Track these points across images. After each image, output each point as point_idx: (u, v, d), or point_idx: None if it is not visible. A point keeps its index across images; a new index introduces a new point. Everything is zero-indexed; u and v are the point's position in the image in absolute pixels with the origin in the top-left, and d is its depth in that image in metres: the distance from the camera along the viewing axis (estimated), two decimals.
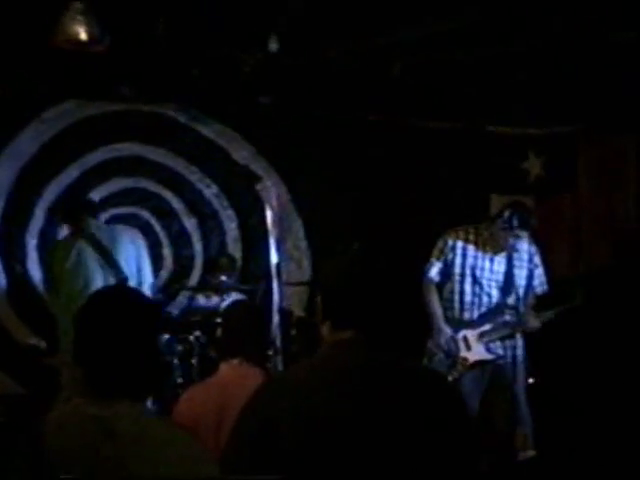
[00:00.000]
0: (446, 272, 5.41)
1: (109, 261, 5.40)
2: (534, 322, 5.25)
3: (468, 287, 5.37)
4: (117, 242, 5.54)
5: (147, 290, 5.38)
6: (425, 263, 5.49)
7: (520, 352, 5.34)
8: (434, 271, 5.42)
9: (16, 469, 1.90)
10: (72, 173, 6.55)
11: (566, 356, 6.02)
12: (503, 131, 7.06)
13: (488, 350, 5.33)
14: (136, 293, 2.57)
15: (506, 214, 5.25)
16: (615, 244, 6.72)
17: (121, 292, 2.55)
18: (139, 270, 5.55)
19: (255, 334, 3.82)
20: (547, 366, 5.80)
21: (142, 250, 5.68)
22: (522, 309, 5.32)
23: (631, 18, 5.10)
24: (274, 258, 5.21)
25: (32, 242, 6.46)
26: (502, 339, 5.34)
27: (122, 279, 5.33)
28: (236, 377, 3.55)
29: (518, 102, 6.50)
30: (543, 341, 5.40)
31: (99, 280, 5.31)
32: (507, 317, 5.34)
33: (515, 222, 5.18)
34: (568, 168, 7.03)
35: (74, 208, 5.67)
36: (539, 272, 5.46)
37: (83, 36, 5.14)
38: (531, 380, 5.46)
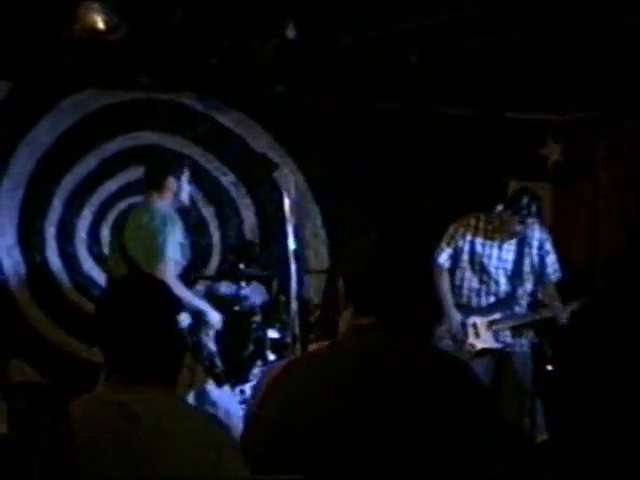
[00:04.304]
0: (455, 259, 5.44)
1: None
2: (561, 312, 5.25)
3: (475, 275, 5.41)
4: None
5: None
6: None
7: (526, 341, 5.36)
8: (444, 257, 5.45)
9: (40, 455, 1.91)
10: (90, 162, 6.56)
11: (582, 343, 5.99)
12: (521, 117, 7.02)
13: (496, 339, 5.36)
14: (155, 281, 2.58)
15: (515, 199, 5.25)
16: (634, 229, 6.68)
17: (140, 280, 2.57)
18: None
19: None
20: (562, 354, 5.78)
21: None
22: (530, 298, 5.33)
23: None
24: (292, 246, 5.22)
25: (51, 231, 6.49)
26: (513, 330, 5.35)
27: None
28: None
29: (536, 88, 6.46)
30: (558, 328, 5.39)
31: None
32: (517, 308, 5.37)
33: (524, 206, 5.18)
34: (587, 154, 6.99)
35: None
36: (551, 259, 5.44)
37: (100, 25, 5.16)
38: (550, 367, 5.45)
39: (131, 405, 2.08)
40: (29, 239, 6.41)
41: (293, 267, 5.32)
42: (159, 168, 5.27)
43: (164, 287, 2.33)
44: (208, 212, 6.99)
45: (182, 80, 6.56)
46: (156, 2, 5.43)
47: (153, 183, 5.20)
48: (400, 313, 2.34)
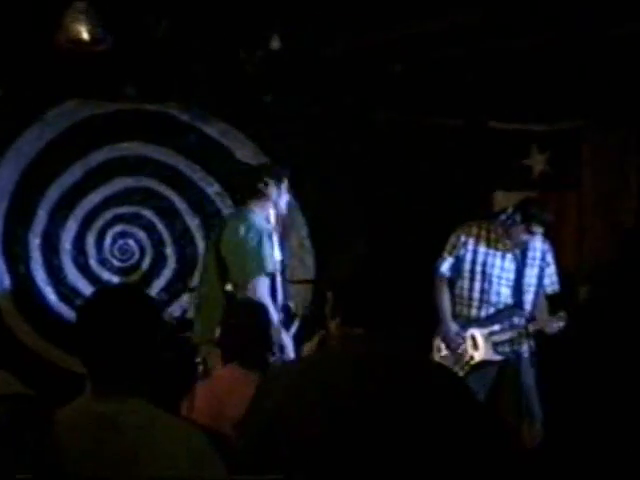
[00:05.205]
0: (457, 268, 5.38)
1: None
2: (553, 325, 5.24)
3: (477, 284, 5.33)
4: None
5: None
6: (428, 259, 5.48)
7: (526, 347, 5.32)
8: (446, 266, 5.39)
9: (24, 467, 1.91)
10: (75, 173, 6.55)
11: (572, 351, 6.01)
12: (506, 127, 7.04)
13: (495, 351, 5.31)
14: (139, 291, 2.58)
15: (509, 210, 5.24)
16: (619, 239, 6.71)
17: (124, 290, 2.56)
18: None
19: (255, 337, 3.79)
20: (554, 360, 5.79)
21: None
22: (530, 309, 5.30)
23: (633, 11, 5.10)
24: (278, 256, 5.20)
25: (35, 242, 6.47)
26: (512, 341, 5.31)
27: None
28: (232, 380, 3.54)
29: (520, 98, 6.49)
30: (550, 336, 5.38)
31: None
32: (516, 319, 5.31)
33: (518, 218, 5.16)
34: (572, 164, 7.02)
35: None
36: (550, 271, 5.40)
37: (85, 35, 5.16)
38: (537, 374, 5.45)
39: (113, 416, 2.08)
40: (13, 250, 6.39)
41: (279, 277, 5.31)
42: (260, 175, 5.15)
43: (146, 297, 2.33)
44: (193, 223, 6.97)
45: (167, 90, 6.55)
46: (142, 13, 5.44)
47: (252, 191, 5.11)
48: (388, 324, 2.34)
